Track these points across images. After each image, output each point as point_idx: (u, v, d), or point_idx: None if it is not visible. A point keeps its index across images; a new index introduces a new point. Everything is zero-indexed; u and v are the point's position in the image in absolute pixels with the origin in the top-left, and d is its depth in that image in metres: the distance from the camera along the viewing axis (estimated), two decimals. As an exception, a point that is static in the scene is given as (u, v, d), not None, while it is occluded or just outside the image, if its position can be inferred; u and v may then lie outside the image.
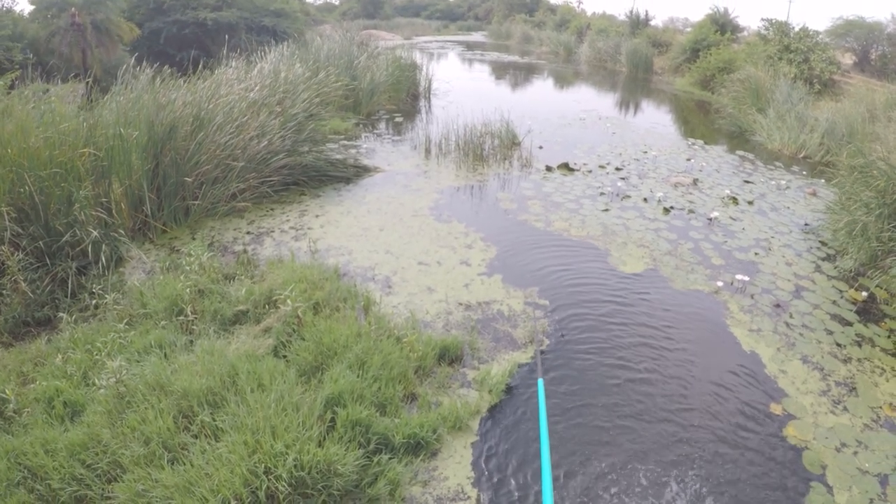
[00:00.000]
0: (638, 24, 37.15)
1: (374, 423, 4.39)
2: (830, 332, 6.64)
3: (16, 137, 6.52)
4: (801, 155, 14.45)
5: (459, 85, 22.88)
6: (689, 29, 36.72)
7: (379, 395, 4.75)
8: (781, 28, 22.68)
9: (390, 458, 4.24)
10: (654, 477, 4.43)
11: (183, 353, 5.01)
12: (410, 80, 19.32)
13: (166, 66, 9.79)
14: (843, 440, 4.97)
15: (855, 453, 4.84)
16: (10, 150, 6.40)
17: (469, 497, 4.13)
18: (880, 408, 5.43)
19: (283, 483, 3.68)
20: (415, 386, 5.13)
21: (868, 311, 7.19)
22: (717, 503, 4.24)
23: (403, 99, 18.74)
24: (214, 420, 4.20)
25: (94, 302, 5.97)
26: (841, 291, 7.61)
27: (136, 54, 12.99)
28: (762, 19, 24.11)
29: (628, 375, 5.61)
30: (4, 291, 5.94)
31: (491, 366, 5.53)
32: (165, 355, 4.99)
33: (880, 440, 5.00)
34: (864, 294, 7.50)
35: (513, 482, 4.29)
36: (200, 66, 10.37)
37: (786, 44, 21.23)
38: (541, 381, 5.13)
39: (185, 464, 3.86)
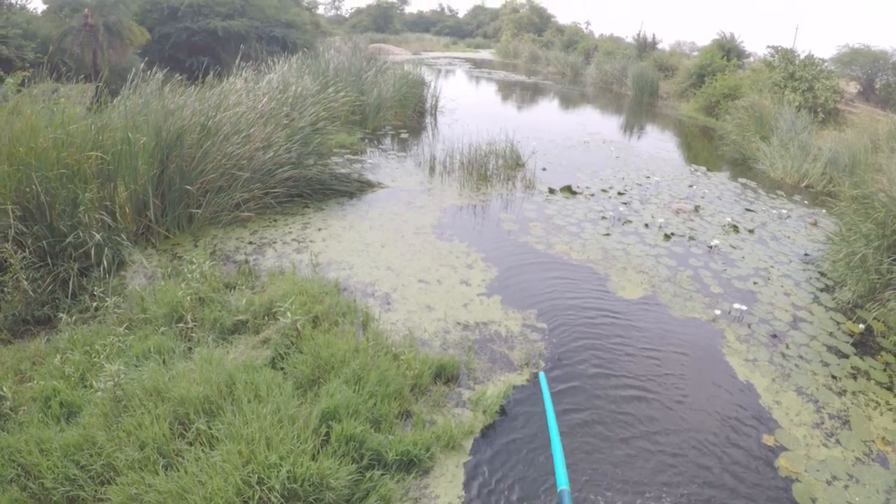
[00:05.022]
0: (645, 47, 37.38)
1: (368, 438, 4.41)
2: (826, 364, 6.66)
3: (24, 136, 6.57)
4: (804, 184, 14.52)
5: (466, 103, 23.02)
6: (695, 53, 36.93)
7: (374, 411, 4.77)
8: (787, 55, 22.75)
9: (382, 475, 4.26)
10: (642, 501, 4.44)
11: (181, 361, 5.04)
12: (417, 96, 19.41)
13: (176, 73, 9.89)
14: (835, 473, 4.98)
15: (846, 487, 4.85)
16: (19, 149, 6.45)
17: (460, 516, 4.15)
18: (873, 441, 5.44)
19: (276, 494, 3.70)
20: (410, 403, 5.15)
21: (865, 344, 7.21)
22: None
23: (409, 115, 18.84)
24: (210, 428, 4.23)
25: (94, 304, 6.01)
26: (838, 323, 7.63)
27: (146, 58, 13.11)
28: (768, 46, 24.08)
29: (622, 400, 5.63)
30: (6, 289, 5.97)
31: (486, 386, 5.55)
32: (164, 361, 5.02)
33: (871, 474, 5.01)
34: (862, 326, 7.52)
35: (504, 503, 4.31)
36: (210, 74, 10.45)
37: (791, 71, 21.31)
38: (542, 374, 5.30)
39: (179, 470, 3.88)
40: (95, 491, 3.89)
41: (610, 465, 4.77)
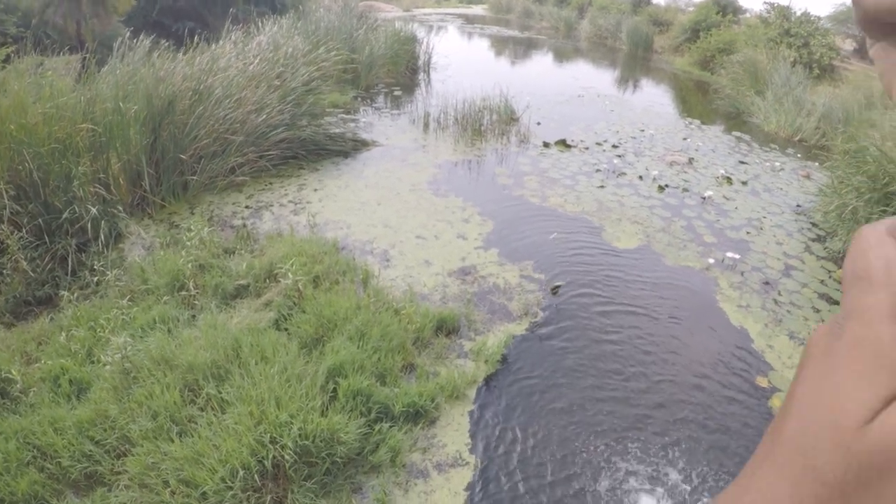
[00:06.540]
0: (640, 1, 36.77)
1: (374, 392, 4.53)
2: (817, 310, 6.79)
3: (14, 113, 6.45)
4: (797, 138, 14.46)
5: (458, 59, 22.61)
6: (690, 8, 36.29)
7: (379, 365, 4.88)
8: (783, 12, 22.46)
9: (391, 427, 4.39)
10: (638, 440, 4.60)
11: (186, 328, 5.11)
12: (409, 53, 19.05)
13: (162, 39, 9.75)
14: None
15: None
16: (9, 126, 6.34)
17: (467, 463, 4.29)
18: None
19: (289, 452, 3.81)
20: (413, 357, 5.27)
21: (855, 291, 7.30)
22: (699, 468, 4.41)
23: (402, 72, 18.51)
24: (220, 392, 4.32)
25: (95, 279, 5.98)
26: (829, 272, 7.74)
27: (132, 27, 12.86)
28: (764, 2, 23.77)
29: (619, 347, 5.78)
30: (5, 271, 5.91)
31: (487, 337, 5.68)
32: (169, 330, 5.08)
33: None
34: (852, 274, 7.61)
35: (508, 449, 4.46)
36: (198, 38, 10.29)
37: (786, 28, 21.09)
38: None
39: (193, 436, 3.98)
40: (112, 465, 3.96)
41: (604, 404, 4.92)
